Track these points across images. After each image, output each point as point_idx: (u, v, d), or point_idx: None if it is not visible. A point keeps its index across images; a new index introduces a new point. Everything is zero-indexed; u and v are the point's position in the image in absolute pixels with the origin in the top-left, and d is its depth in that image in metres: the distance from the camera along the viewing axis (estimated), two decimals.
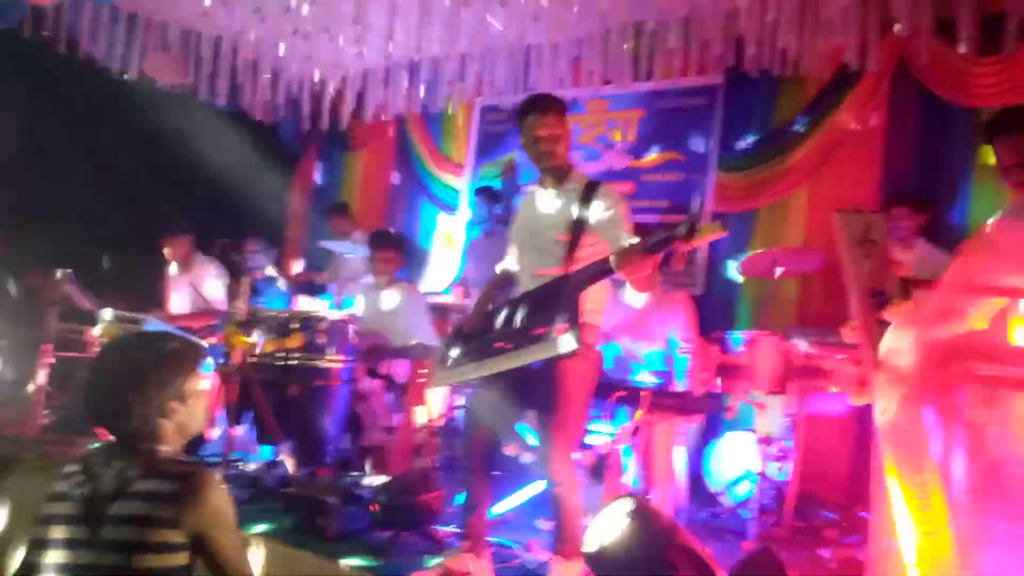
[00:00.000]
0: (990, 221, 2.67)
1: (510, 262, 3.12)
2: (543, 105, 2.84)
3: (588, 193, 2.78)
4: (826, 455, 4.31)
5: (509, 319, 2.76)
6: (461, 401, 4.44)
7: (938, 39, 4.44)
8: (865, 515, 4.02)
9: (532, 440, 2.89)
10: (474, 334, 2.90)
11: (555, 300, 2.56)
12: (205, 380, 1.90)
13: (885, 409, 2.33)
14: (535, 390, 2.72)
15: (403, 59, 6.32)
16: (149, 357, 1.78)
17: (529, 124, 2.83)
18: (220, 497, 1.72)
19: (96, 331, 4.85)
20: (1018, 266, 2.73)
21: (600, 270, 2.53)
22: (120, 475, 1.69)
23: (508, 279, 3.11)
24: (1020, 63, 4.30)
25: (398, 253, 4.69)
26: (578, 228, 2.74)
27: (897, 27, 4.30)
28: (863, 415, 4.31)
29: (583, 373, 2.75)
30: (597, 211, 2.74)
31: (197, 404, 1.83)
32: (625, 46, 5.35)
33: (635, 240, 2.46)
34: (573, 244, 2.73)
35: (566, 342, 2.41)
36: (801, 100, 5.22)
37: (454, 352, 2.94)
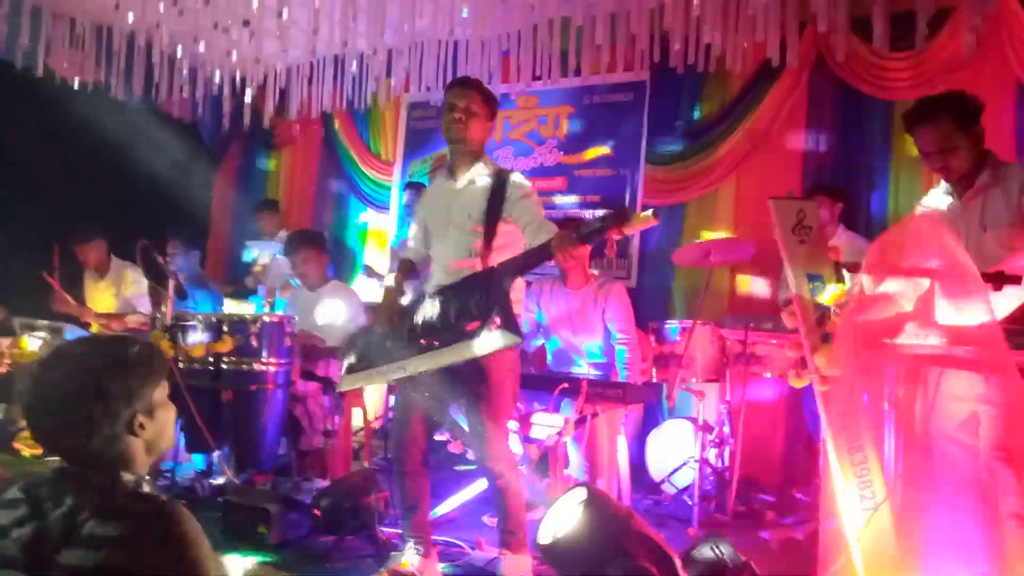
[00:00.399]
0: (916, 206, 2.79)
1: (415, 251, 3.06)
2: (470, 82, 2.86)
3: (500, 182, 2.77)
4: (762, 440, 4.43)
5: (434, 314, 2.69)
6: None
7: (854, 35, 4.61)
8: (801, 496, 4.17)
9: (465, 434, 2.85)
10: (389, 331, 2.81)
11: (485, 294, 2.53)
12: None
13: (823, 390, 2.40)
14: (463, 384, 2.69)
15: (328, 54, 6.19)
16: (110, 364, 1.50)
17: (450, 94, 2.82)
18: (189, 537, 1.45)
19: (7, 343, 4.59)
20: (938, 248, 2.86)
21: (537, 256, 2.53)
22: (70, 515, 1.40)
23: (413, 270, 3.04)
24: (930, 58, 4.51)
25: (318, 252, 4.55)
26: (493, 218, 2.72)
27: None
28: (796, 399, 4.46)
29: (508, 363, 2.74)
30: (511, 199, 2.73)
31: (166, 417, 1.58)
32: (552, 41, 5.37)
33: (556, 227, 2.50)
34: (489, 234, 2.71)
35: (501, 337, 2.40)
36: (726, 95, 5.35)
37: (369, 351, 2.84)
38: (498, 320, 2.41)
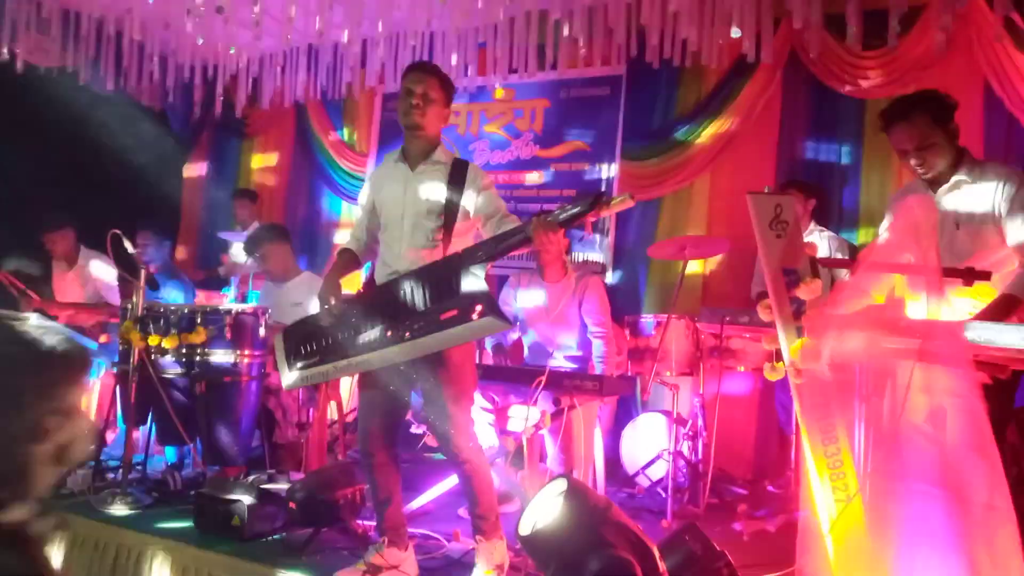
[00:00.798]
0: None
1: (358, 239, 2.95)
2: (428, 67, 2.81)
3: (458, 172, 2.73)
4: (735, 433, 4.48)
5: (398, 304, 2.55)
6: None
7: (827, 32, 4.67)
8: (772, 489, 4.23)
9: (428, 421, 2.80)
10: (341, 324, 2.62)
11: (455, 279, 2.46)
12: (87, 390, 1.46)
13: (798, 382, 2.43)
14: (422, 371, 2.63)
15: (302, 43, 6.12)
16: (17, 357, 1.28)
17: (408, 79, 2.76)
18: None
19: None
20: (911, 243, 2.92)
21: (512, 241, 2.50)
22: None
23: (355, 260, 2.93)
24: (902, 56, 4.58)
25: (278, 245, 4.46)
26: (452, 208, 2.69)
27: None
28: (769, 393, 4.52)
29: (467, 348, 2.73)
30: (472, 190, 2.71)
31: (82, 422, 1.34)
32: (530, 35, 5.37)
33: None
34: (449, 223, 2.68)
35: (492, 323, 2.37)
36: (701, 90, 5.39)
37: (320, 343, 2.65)
38: (480, 308, 2.35)
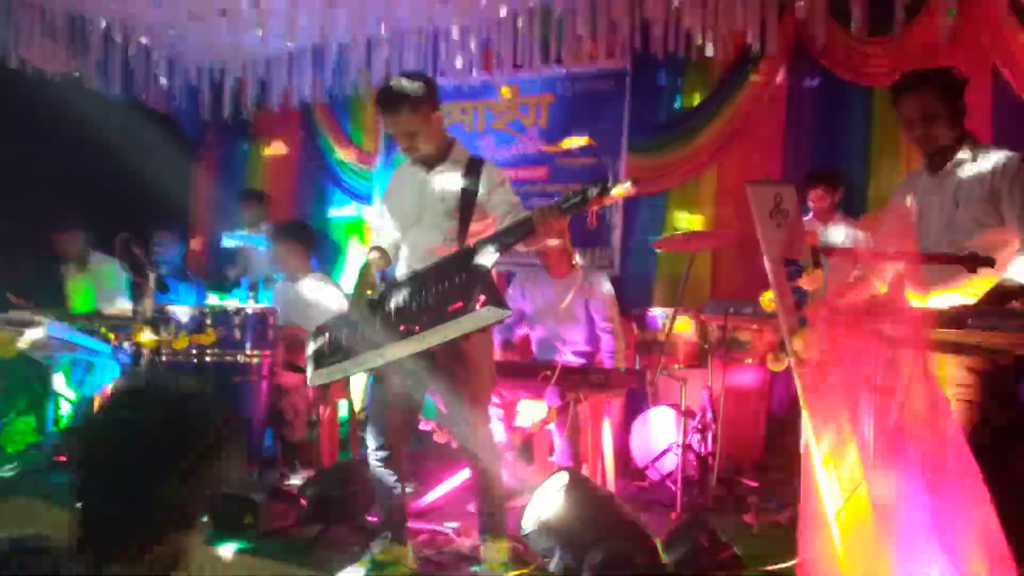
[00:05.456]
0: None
1: (383, 239, 2.99)
2: (390, 104, 2.69)
3: (473, 170, 2.75)
4: (745, 425, 4.47)
5: (411, 298, 2.61)
6: None
7: (833, 21, 4.64)
8: (783, 481, 4.21)
9: (444, 419, 2.84)
10: (363, 319, 2.71)
11: (464, 273, 2.48)
12: None
13: (802, 374, 2.43)
14: (442, 369, 2.67)
15: (307, 44, 6.14)
16: (210, 427, 1.18)
17: (384, 120, 2.78)
18: None
19: None
20: (908, 232, 2.92)
21: (517, 232, 2.52)
22: None
23: (383, 259, 2.95)
24: (908, 43, 4.54)
25: (300, 243, 4.51)
26: (468, 203, 2.71)
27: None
28: (777, 384, 4.51)
29: (485, 347, 2.75)
30: (486, 186, 2.73)
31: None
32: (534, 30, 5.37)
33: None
34: (465, 219, 2.70)
35: (491, 313, 2.38)
36: (706, 82, 5.37)
37: (340, 342, 2.74)
38: (483, 297, 2.37)
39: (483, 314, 2.38)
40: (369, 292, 2.78)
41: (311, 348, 2.85)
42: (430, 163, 2.81)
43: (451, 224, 2.71)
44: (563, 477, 2.22)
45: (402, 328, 2.56)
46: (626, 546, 1.94)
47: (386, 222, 3.00)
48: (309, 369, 2.83)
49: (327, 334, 2.82)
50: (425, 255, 2.75)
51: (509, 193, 2.76)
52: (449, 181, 2.76)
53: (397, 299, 2.65)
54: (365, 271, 2.86)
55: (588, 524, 2.04)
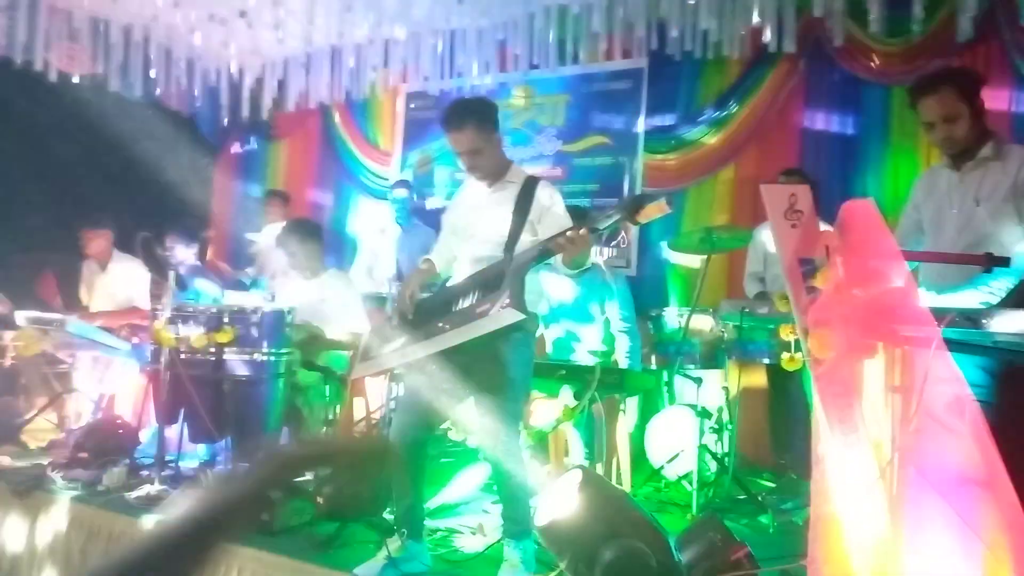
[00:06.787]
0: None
1: (440, 252, 3.09)
2: (456, 122, 2.79)
3: (528, 189, 2.83)
4: (762, 425, 4.45)
5: (450, 303, 2.76)
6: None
7: (851, 20, 4.61)
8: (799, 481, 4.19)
9: (475, 424, 2.87)
10: (408, 323, 2.87)
11: (498, 280, 2.59)
12: None
13: (816, 373, 2.42)
14: (480, 375, 2.71)
15: (325, 45, 6.19)
16: None
17: (449, 140, 2.86)
18: None
19: (11, 336, 4.62)
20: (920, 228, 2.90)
21: (549, 247, 2.58)
22: None
23: (432, 269, 3.05)
24: (925, 43, 4.51)
25: (311, 242, 4.54)
26: (518, 224, 2.78)
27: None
28: (793, 383, 4.48)
29: (524, 357, 2.79)
30: (537, 207, 2.79)
31: None
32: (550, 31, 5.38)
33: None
34: (514, 234, 2.76)
35: (509, 314, 2.43)
36: (723, 81, 5.36)
37: (386, 341, 2.90)
38: (507, 300, 2.45)
39: (503, 315, 2.47)
40: (411, 297, 2.91)
41: (360, 345, 3.05)
42: (489, 181, 2.89)
43: (501, 240, 2.77)
44: (576, 475, 2.23)
45: (435, 328, 2.71)
46: (638, 544, 1.94)
47: (446, 236, 3.10)
48: (354, 363, 3.04)
49: (373, 333, 3.02)
50: (475, 268, 2.83)
51: (559, 215, 2.80)
52: (504, 199, 2.84)
53: (437, 303, 2.83)
54: (410, 278, 3.03)
55: (600, 522, 2.05)
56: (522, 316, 2.47)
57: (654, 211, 2.34)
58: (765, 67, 5.09)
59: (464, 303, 2.69)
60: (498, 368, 2.69)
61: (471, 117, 2.78)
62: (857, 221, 2.43)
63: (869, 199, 2.17)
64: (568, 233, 2.47)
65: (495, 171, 2.88)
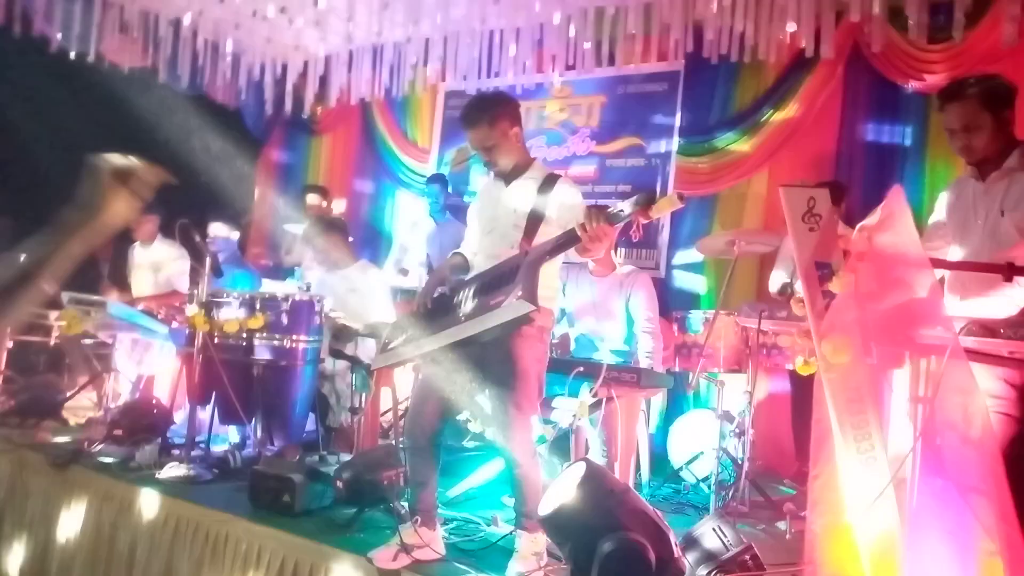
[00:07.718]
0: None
1: (467, 246, 3.14)
2: (470, 118, 2.84)
3: (547, 185, 2.84)
4: (782, 430, 4.42)
5: (466, 295, 2.79)
6: None
7: (891, 26, 4.56)
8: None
9: (488, 418, 2.91)
10: (426, 315, 2.92)
11: (513, 273, 2.61)
12: None
13: (830, 379, 2.41)
14: (492, 368, 2.76)
15: (365, 43, 6.30)
16: None
17: (466, 137, 2.90)
18: None
19: (55, 316, 4.80)
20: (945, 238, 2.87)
21: (564, 241, 2.59)
22: None
23: (462, 263, 3.10)
24: (968, 49, 4.43)
25: (334, 235, 4.63)
26: (536, 220, 2.79)
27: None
28: (819, 390, 4.43)
29: (537, 353, 2.81)
30: (555, 204, 2.80)
31: None
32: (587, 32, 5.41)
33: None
34: (531, 230, 2.78)
35: (519, 307, 2.46)
36: (760, 85, 5.33)
37: (404, 333, 2.96)
38: (519, 292, 2.48)
39: (514, 307, 2.50)
40: (431, 290, 2.98)
41: (384, 336, 3.10)
42: (508, 177, 2.92)
43: (519, 235, 2.80)
44: (579, 467, 2.27)
45: (451, 320, 2.76)
46: (638, 537, 1.97)
47: (470, 231, 3.14)
48: (376, 353, 3.11)
49: (397, 324, 3.09)
50: (494, 262, 2.86)
51: (576, 211, 2.74)
52: (523, 195, 2.86)
53: (456, 296, 2.86)
54: (437, 271, 3.11)
55: (601, 514, 2.08)
56: (532, 308, 2.49)
57: (667, 205, 2.33)
58: (802, 72, 5.04)
59: (480, 296, 2.72)
60: (509, 360, 2.72)
61: (483, 114, 2.81)
62: (902, 205, 2.43)
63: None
64: (584, 225, 2.46)
65: (514, 167, 2.91)
